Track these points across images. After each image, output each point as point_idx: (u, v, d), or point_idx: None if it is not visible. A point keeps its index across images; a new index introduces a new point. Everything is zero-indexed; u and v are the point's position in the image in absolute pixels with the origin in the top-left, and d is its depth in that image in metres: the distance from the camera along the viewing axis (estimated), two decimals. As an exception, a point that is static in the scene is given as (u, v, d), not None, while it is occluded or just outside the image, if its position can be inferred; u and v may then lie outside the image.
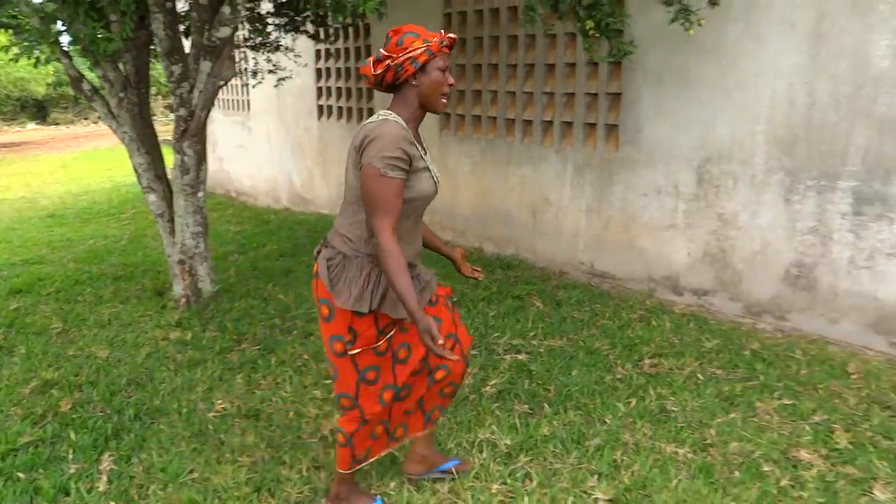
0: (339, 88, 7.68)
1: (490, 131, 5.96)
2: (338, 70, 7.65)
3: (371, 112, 7.24)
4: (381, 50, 2.23)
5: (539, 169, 5.57)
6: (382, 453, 2.58)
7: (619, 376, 3.62)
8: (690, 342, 4.03)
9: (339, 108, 7.72)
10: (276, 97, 8.61)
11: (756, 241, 4.35)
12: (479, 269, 2.75)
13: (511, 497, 2.65)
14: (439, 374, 2.50)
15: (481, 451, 2.95)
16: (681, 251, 4.75)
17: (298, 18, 6.28)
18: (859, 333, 3.98)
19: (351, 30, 7.24)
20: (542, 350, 3.94)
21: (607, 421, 3.18)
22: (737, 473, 2.76)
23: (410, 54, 2.18)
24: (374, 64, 2.23)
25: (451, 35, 2.26)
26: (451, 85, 2.28)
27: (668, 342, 4.03)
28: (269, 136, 9.04)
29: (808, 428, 3.08)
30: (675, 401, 3.35)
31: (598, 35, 3.70)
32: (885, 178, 3.76)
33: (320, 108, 8.00)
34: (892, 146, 3.71)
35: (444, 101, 2.28)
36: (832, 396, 3.37)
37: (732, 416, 3.21)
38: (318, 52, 7.84)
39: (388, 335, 2.31)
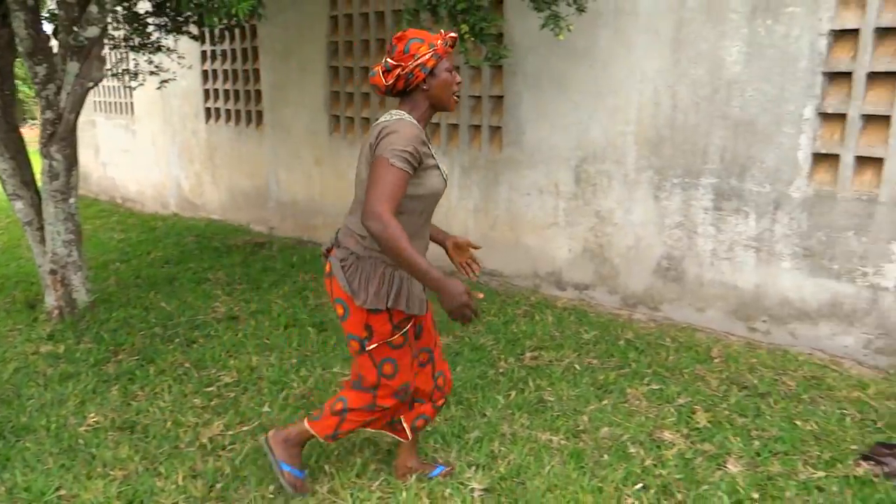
0: (226, 91, 7.51)
1: (379, 134, 5.98)
2: (225, 72, 7.49)
3: (260, 115, 7.12)
4: (388, 59, 2.27)
5: (428, 170, 5.64)
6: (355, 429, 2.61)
7: (501, 370, 3.73)
8: (570, 335, 4.20)
9: (227, 111, 7.55)
10: (161, 99, 8.33)
11: (630, 237, 4.57)
12: (477, 263, 2.70)
13: (390, 493, 2.69)
14: (440, 381, 2.62)
15: (363, 451, 2.97)
16: (562, 248, 4.93)
17: (180, 19, 6.10)
18: (723, 320, 4.26)
19: (237, 31, 7.10)
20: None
21: (487, 414, 3.27)
22: (605, 456, 2.90)
23: (419, 61, 2.23)
24: (384, 74, 2.27)
25: (453, 34, 2.31)
26: (458, 83, 2.34)
27: (550, 335, 4.19)
28: (155, 140, 8.73)
29: (672, 410, 3.28)
30: (553, 391, 3.48)
31: (473, 39, 3.80)
32: (741, 175, 4.04)
33: (208, 110, 7.80)
34: (745, 145, 3.99)
35: (456, 98, 2.36)
36: (696, 380, 3.59)
37: (605, 402, 3.37)
38: (203, 54, 7.64)
39: (404, 329, 2.38)
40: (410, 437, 2.70)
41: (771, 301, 4.06)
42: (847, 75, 3.65)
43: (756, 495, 2.62)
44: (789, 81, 3.80)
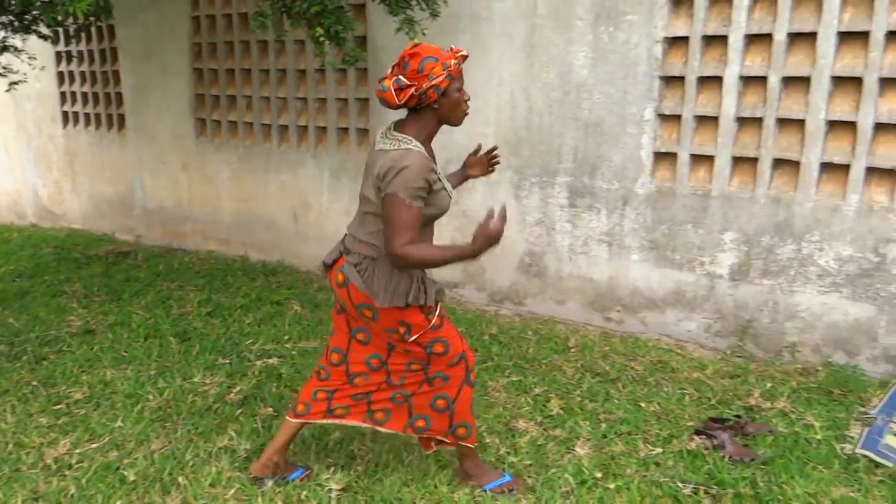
0: (84, 94, 7.14)
1: (247, 137, 5.88)
2: (82, 74, 7.11)
3: (122, 119, 6.82)
4: (401, 76, 2.26)
5: (298, 174, 5.60)
6: (318, 421, 2.69)
7: (367, 371, 3.75)
8: (438, 332, 4.28)
9: (87, 115, 7.17)
10: (14, 102, 7.81)
11: (494, 235, 4.71)
12: (495, 156, 2.80)
13: (246, 500, 2.66)
14: (437, 382, 2.58)
15: (219, 460, 2.92)
16: (431, 248, 5.02)
17: (27, 17, 5.75)
18: (581, 312, 4.48)
19: (94, 31, 6.76)
20: (294, 353, 3.98)
21: (350, 414, 3.29)
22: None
23: (434, 82, 2.25)
24: (397, 92, 2.26)
25: (463, 53, 2.32)
26: (467, 101, 2.38)
27: (418, 334, 4.25)
28: (8, 146, 8.17)
29: (529, 399, 3.42)
30: (416, 388, 3.54)
31: (328, 42, 3.81)
32: (592, 174, 4.26)
33: (65, 114, 7.39)
34: (595, 145, 4.21)
35: (464, 115, 2.41)
36: (553, 369, 3.76)
37: (466, 396, 3.46)
38: (58, 55, 7.22)
39: (436, 312, 2.47)
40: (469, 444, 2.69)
41: (623, 292, 4.30)
42: (681, 79, 3.92)
43: (599, 474, 2.78)
44: (631, 85, 4.04)
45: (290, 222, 5.73)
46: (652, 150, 4.05)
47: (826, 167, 3.61)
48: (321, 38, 3.75)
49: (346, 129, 5.30)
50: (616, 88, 4.09)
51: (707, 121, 3.91)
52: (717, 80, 3.82)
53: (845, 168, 3.54)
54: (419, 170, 2.25)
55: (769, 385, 3.53)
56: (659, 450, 2.97)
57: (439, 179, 2.36)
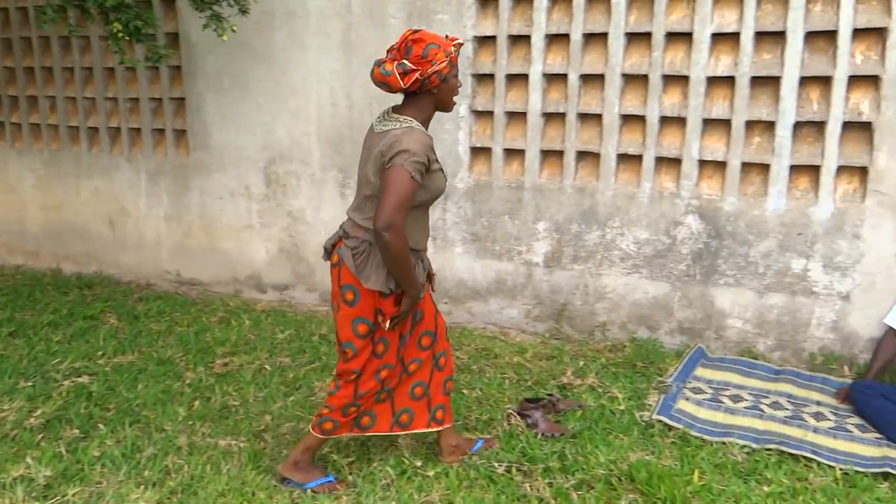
0: None
1: (53, 141, 5.45)
2: None
3: None
4: (406, 61, 2.32)
5: (113, 179, 5.26)
6: (345, 434, 2.74)
7: (188, 381, 3.61)
8: (266, 337, 4.19)
9: None
10: None
11: (322, 234, 4.68)
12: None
13: (43, 530, 2.48)
14: (442, 360, 2.79)
15: (14, 491, 2.69)
16: (259, 250, 4.90)
17: None
18: (411, 306, 4.55)
19: None
20: (108, 369, 3.75)
21: (167, 429, 3.15)
22: (284, 452, 2.95)
23: (437, 68, 2.33)
24: (401, 76, 2.32)
25: (460, 41, 2.42)
26: (459, 88, 2.52)
27: (245, 340, 4.14)
28: None
29: (355, 397, 3.43)
30: (239, 395, 3.46)
31: (129, 38, 3.61)
32: (413, 170, 4.33)
33: None
34: (414, 142, 4.28)
35: (455, 100, 2.54)
36: (381, 365, 3.79)
37: (291, 399, 3.42)
38: None
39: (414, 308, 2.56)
40: (444, 426, 2.83)
41: (450, 283, 4.42)
42: (491, 77, 4.08)
43: (420, 463, 2.84)
44: (445, 82, 4.15)
45: (106, 230, 5.38)
46: (468, 145, 4.19)
47: (622, 158, 3.89)
48: (120, 35, 3.54)
49: (161, 131, 5.05)
50: (432, 86, 4.19)
51: (517, 116, 4.09)
52: (523, 78, 4.01)
53: (639, 158, 3.84)
54: (422, 145, 2.34)
55: (581, 363, 3.76)
56: (478, 434, 3.08)
57: (437, 160, 2.45)
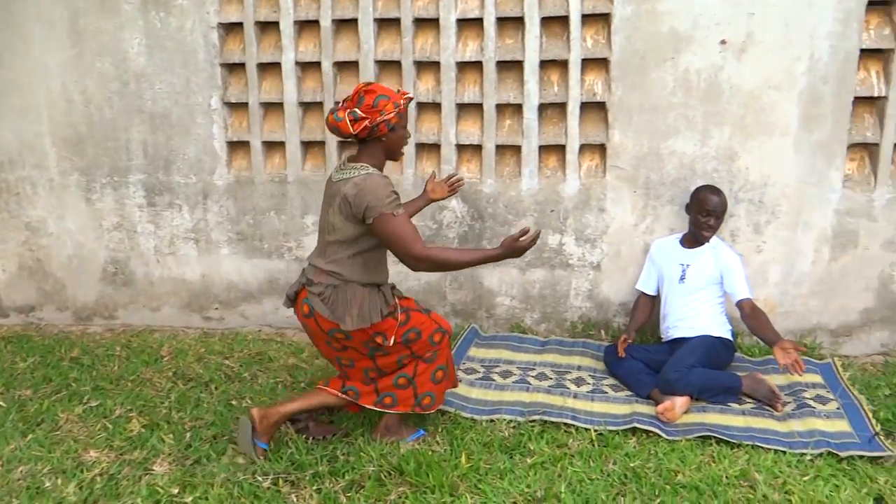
0: None
1: None
2: None
3: None
4: (357, 109, 2.53)
5: None
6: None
7: None
8: (5, 368, 3.68)
9: None
10: None
11: (69, 246, 4.20)
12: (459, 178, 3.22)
13: None
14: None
15: None
16: (-6, 269, 4.30)
17: None
18: (179, 315, 4.23)
19: None
20: None
21: None
22: (15, 501, 2.58)
23: (385, 117, 2.54)
24: (352, 123, 2.53)
25: (409, 95, 2.65)
26: (408, 139, 2.73)
27: (-25, 375, 3.60)
28: None
29: (107, 424, 3.09)
30: (-38, 441, 2.98)
31: None
32: (167, 169, 4.00)
33: None
34: (165, 138, 3.95)
35: (404, 150, 2.78)
36: (141, 385, 3.47)
37: (30, 437, 3.01)
38: None
39: (397, 311, 2.71)
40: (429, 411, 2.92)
41: (219, 288, 4.15)
42: (242, 66, 3.85)
43: (176, 490, 2.61)
44: (193, 73, 3.86)
45: None
46: (225, 139, 3.93)
47: (384, 146, 3.85)
48: None
49: None
50: (178, 77, 3.87)
51: (274, 107, 3.91)
52: (277, 67, 3.83)
53: (400, 145, 3.82)
54: (384, 186, 2.54)
55: (359, 357, 3.69)
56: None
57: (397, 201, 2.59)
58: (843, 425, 2.93)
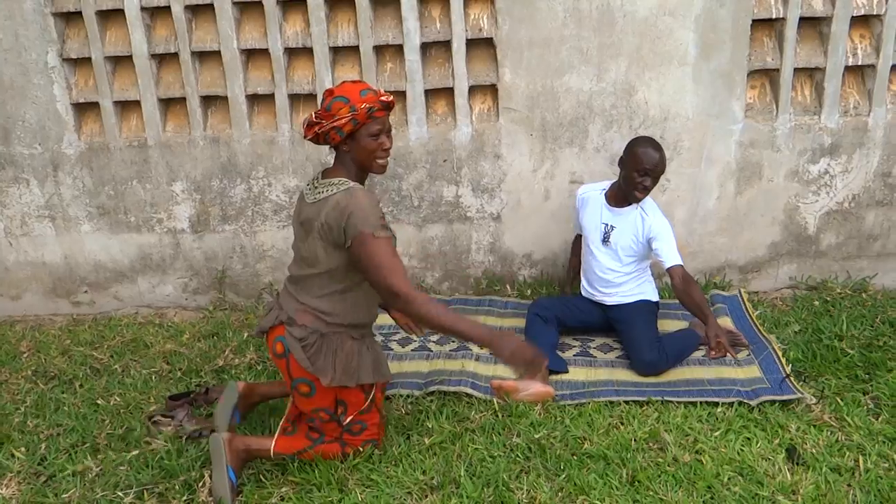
0: None
1: None
2: None
3: None
4: (314, 113, 2.22)
5: None
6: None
7: None
8: None
9: None
10: None
11: None
12: None
13: None
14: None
15: None
16: None
17: None
18: (43, 303, 3.78)
19: None
20: None
21: None
22: None
23: (335, 123, 2.17)
24: (304, 127, 2.25)
25: (387, 98, 2.21)
26: (385, 149, 2.25)
27: None
28: None
29: (-52, 443, 2.69)
30: None
31: None
32: (5, 139, 3.49)
33: None
34: (-2, 104, 3.43)
35: (382, 162, 2.28)
36: (-6, 388, 3.06)
37: None
38: None
39: (372, 395, 2.36)
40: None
41: (85, 269, 3.71)
42: (79, 15, 3.33)
43: (24, 518, 2.28)
44: (20, 25, 3.32)
45: None
46: (69, 101, 3.44)
47: (254, 99, 3.45)
48: None
49: None
50: (4, 32, 3.33)
51: (124, 62, 3.42)
52: (121, 14, 3.33)
53: (272, 98, 3.41)
54: (370, 201, 2.17)
55: (245, 335, 3.37)
56: (112, 455, 2.56)
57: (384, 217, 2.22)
58: (753, 371, 2.82)
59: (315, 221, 2.21)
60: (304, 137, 2.28)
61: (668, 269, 2.92)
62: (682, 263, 2.93)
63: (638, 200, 2.97)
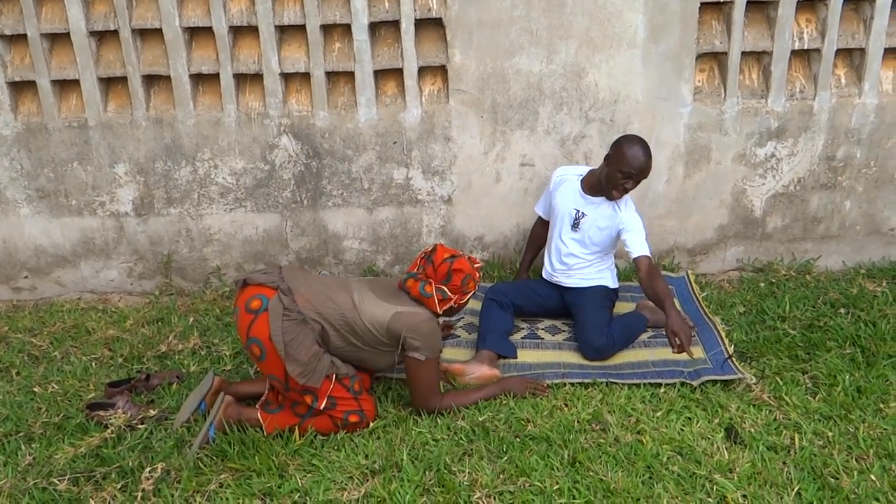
0: None
1: None
2: None
3: None
4: (446, 289, 2.44)
5: None
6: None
7: None
8: None
9: None
10: None
11: None
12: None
13: None
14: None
15: None
16: None
17: None
18: (-19, 289, 3.67)
19: None
20: None
21: None
22: None
23: (467, 299, 2.52)
24: (440, 302, 2.44)
25: (479, 263, 2.55)
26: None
27: None
28: None
29: None
30: None
31: None
32: (-63, 119, 3.36)
33: None
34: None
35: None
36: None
37: None
38: None
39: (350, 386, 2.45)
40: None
41: (25, 254, 3.60)
42: (13, -10, 3.21)
43: (-50, 509, 2.21)
44: (-50, 0, 3.19)
45: None
46: (4, 80, 3.32)
47: (198, 79, 3.36)
48: None
49: None
50: (-67, 6, 3.20)
51: (61, 39, 3.31)
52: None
53: (216, 77, 3.33)
54: (438, 334, 2.45)
55: (191, 320, 3.31)
56: (47, 443, 2.49)
57: None
58: (697, 351, 2.84)
59: (387, 313, 2.42)
60: (433, 311, 2.46)
61: (635, 259, 2.89)
62: (649, 255, 2.90)
63: (614, 199, 2.94)
